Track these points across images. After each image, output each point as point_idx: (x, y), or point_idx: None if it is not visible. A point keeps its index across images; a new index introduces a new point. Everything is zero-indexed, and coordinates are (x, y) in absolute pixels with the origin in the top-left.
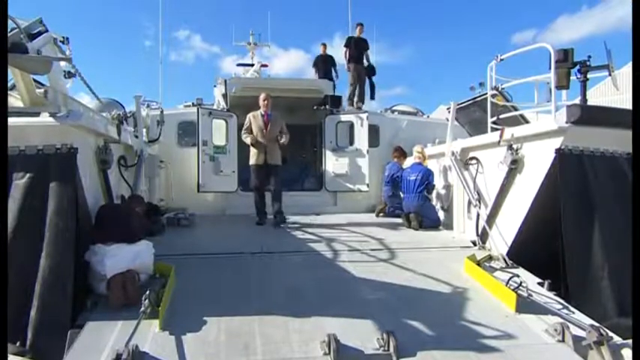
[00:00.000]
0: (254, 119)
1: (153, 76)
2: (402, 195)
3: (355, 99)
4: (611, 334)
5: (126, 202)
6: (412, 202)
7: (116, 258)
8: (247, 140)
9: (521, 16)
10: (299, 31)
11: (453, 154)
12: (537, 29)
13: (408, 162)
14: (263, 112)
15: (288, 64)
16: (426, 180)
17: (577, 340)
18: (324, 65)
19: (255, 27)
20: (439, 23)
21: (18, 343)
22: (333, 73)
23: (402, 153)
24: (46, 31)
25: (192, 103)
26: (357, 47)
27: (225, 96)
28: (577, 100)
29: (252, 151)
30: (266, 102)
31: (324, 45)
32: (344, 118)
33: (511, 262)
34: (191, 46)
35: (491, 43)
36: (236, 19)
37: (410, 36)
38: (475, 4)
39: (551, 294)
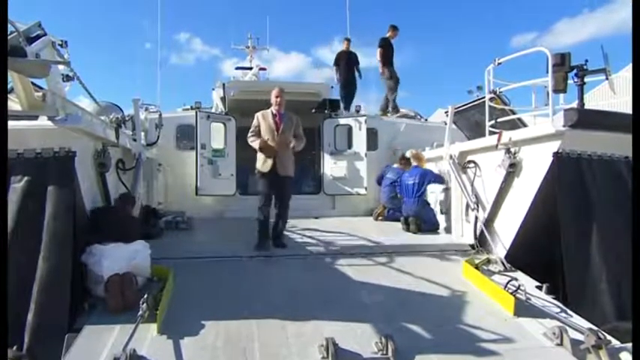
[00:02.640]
0: (263, 119)
1: (153, 79)
2: (399, 197)
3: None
4: (609, 337)
5: (118, 203)
6: (411, 207)
7: (113, 258)
8: (255, 144)
9: (522, 19)
10: (299, 34)
11: (451, 157)
12: (538, 32)
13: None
14: (275, 111)
15: (289, 67)
16: (423, 180)
17: (575, 343)
18: (348, 63)
19: (255, 30)
20: (438, 26)
21: (15, 347)
22: (356, 73)
23: (407, 162)
24: (45, 34)
25: (191, 107)
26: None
27: (223, 99)
28: (574, 104)
29: (260, 156)
30: (279, 99)
31: (348, 40)
32: (342, 121)
33: (509, 265)
34: (192, 48)
35: (490, 46)
36: (236, 22)
37: (409, 40)
38: (475, 7)
39: (549, 297)
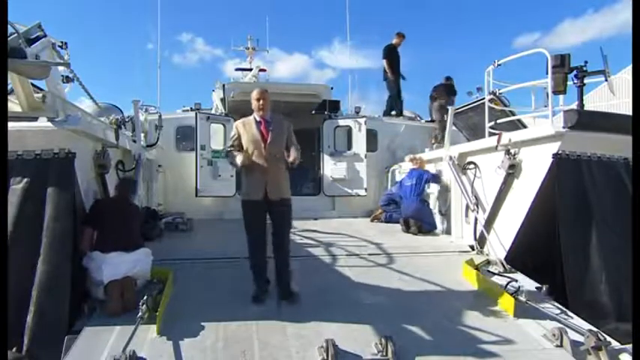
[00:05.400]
0: (244, 128)
1: (155, 80)
2: (400, 200)
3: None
4: (609, 339)
5: (116, 193)
6: (410, 205)
7: (114, 266)
8: (236, 161)
9: (525, 20)
10: (301, 35)
11: (450, 158)
12: (541, 32)
13: (406, 166)
14: (259, 118)
15: (292, 68)
16: (421, 180)
17: (575, 345)
18: (398, 60)
19: (256, 31)
20: (439, 27)
21: (15, 349)
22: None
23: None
24: (45, 35)
25: (191, 108)
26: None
27: (223, 100)
28: (574, 105)
29: (244, 179)
30: (261, 102)
31: (403, 36)
32: (342, 122)
33: (509, 266)
34: (194, 49)
35: (492, 47)
36: (238, 22)
37: (409, 41)
38: (475, 7)
39: (549, 298)
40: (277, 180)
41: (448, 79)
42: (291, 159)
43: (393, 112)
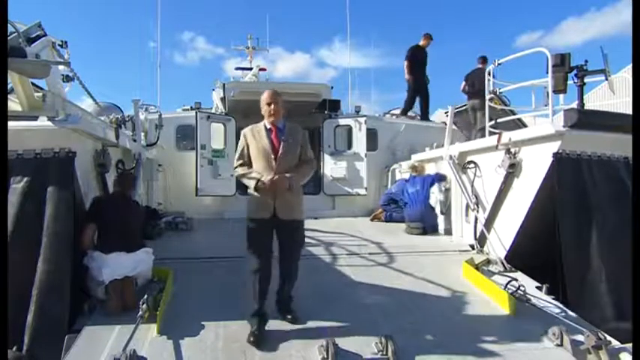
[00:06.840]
0: (252, 138)
1: (155, 79)
2: (404, 206)
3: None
4: (609, 338)
5: (120, 187)
6: (415, 213)
7: (115, 267)
8: (248, 182)
9: (526, 18)
10: (302, 34)
11: (451, 158)
12: (544, 31)
13: (406, 166)
14: (269, 125)
15: (293, 67)
16: (426, 186)
17: (576, 344)
18: (424, 63)
19: (257, 30)
20: (439, 26)
21: (15, 348)
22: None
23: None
24: (45, 35)
25: (191, 107)
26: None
27: (223, 100)
28: (574, 105)
29: (253, 195)
30: (272, 106)
31: (430, 37)
32: (342, 122)
33: (509, 265)
34: (196, 47)
35: (493, 45)
36: (239, 21)
37: (411, 40)
38: (476, 6)
39: (549, 298)
40: (288, 199)
41: (484, 60)
42: (286, 183)
43: (410, 113)
